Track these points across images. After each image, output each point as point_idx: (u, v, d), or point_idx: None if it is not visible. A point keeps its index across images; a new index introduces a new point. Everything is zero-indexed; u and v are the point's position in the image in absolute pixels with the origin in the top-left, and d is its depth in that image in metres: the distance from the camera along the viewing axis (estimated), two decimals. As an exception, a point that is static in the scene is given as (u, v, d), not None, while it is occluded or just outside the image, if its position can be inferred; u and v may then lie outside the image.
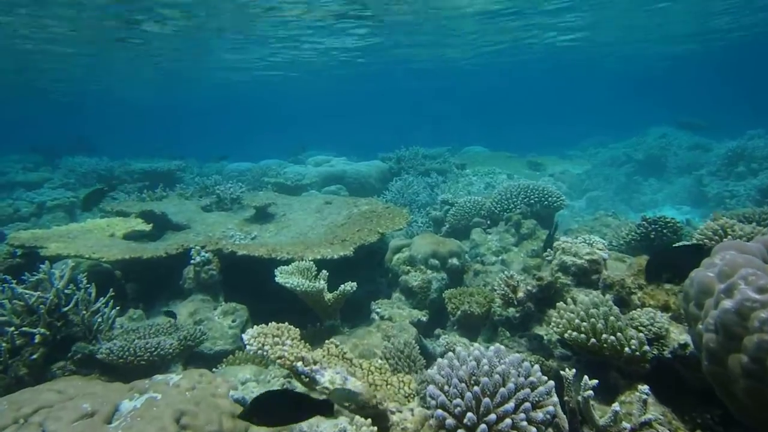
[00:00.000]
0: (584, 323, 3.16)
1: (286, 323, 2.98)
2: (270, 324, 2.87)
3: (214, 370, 4.37)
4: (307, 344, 2.93)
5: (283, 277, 4.50)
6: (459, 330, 4.83)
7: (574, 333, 3.17)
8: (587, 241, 4.09)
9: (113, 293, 4.38)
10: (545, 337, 4.40)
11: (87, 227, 6.21)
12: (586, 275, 3.74)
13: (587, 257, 3.73)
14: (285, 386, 3.55)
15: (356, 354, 4.08)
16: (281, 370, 3.74)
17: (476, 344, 4.13)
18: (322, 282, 4.47)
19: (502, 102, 65.95)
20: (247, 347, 2.52)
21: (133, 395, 3.15)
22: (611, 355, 3.03)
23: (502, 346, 2.45)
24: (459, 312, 4.72)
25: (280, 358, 2.38)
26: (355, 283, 4.55)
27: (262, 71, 23.87)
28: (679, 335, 3.09)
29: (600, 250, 3.81)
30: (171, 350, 3.89)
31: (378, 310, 4.91)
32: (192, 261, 5.12)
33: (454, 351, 2.46)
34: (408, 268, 5.57)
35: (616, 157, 16.97)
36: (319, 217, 7.02)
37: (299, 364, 2.34)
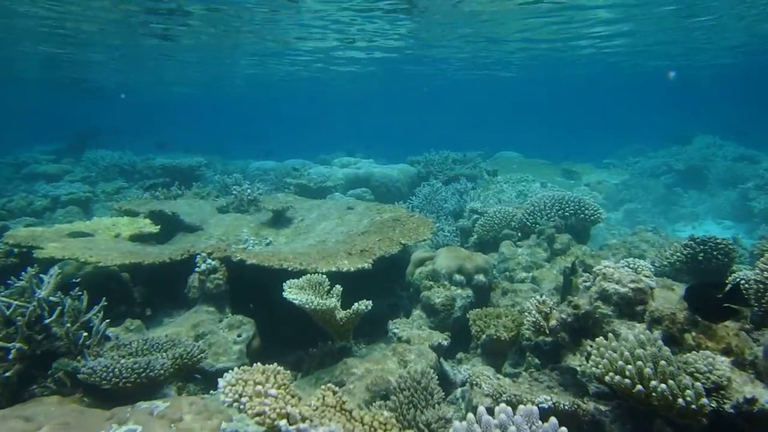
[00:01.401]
0: (629, 366, 2.71)
1: (275, 365, 2.58)
2: (254, 366, 2.48)
3: (211, 392, 4.03)
4: (313, 374, 2.55)
5: (292, 292, 4.13)
6: (483, 355, 4.40)
7: (617, 377, 2.72)
8: (631, 266, 3.63)
9: (106, 302, 4.04)
10: (579, 369, 3.95)
11: (91, 226, 5.94)
12: (630, 306, 3.27)
13: (632, 285, 3.26)
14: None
15: (369, 381, 3.68)
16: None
17: (502, 380, 3.70)
18: (333, 300, 4.09)
19: (539, 107, 64.73)
20: (221, 398, 2.13)
21: (110, 426, 2.82)
22: (661, 405, 2.58)
23: (535, 408, 2.02)
24: (484, 336, 4.29)
25: (259, 415, 1.99)
26: (370, 302, 4.15)
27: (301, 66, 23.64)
28: (743, 385, 2.62)
29: (647, 277, 3.34)
30: (162, 371, 3.50)
31: (395, 330, 4.51)
32: (197, 269, 4.79)
33: (475, 412, 2.03)
34: (431, 283, 5.15)
35: (655, 167, 16.21)
36: (339, 223, 6.65)
37: (283, 423, 1.95)
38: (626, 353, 2.77)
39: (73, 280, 4.16)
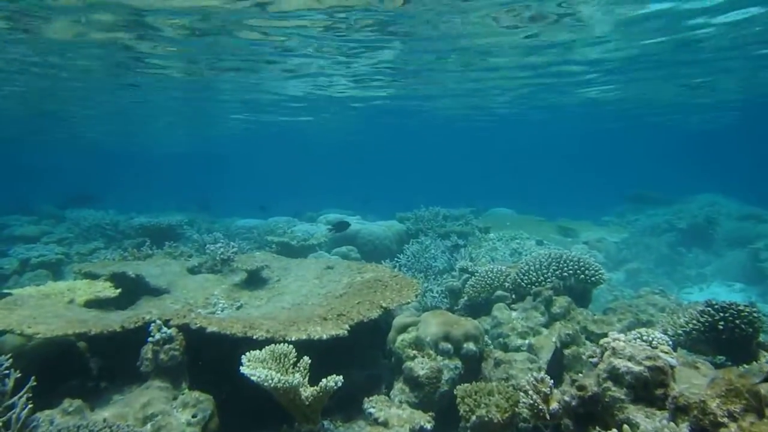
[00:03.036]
0: (654, 473, 2.14)
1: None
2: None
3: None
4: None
5: (251, 366, 3.57)
6: (474, 440, 3.78)
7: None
8: (644, 338, 3.08)
9: (35, 382, 3.50)
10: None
11: (44, 291, 5.41)
12: (648, 389, 2.72)
13: (648, 363, 2.71)
14: None
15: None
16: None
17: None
18: (297, 376, 3.52)
19: (531, 161, 64.70)
20: None
21: None
22: None
23: None
24: (474, 417, 3.68)
25: None
26: (341, 377, 3.60)
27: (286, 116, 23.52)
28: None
29: (665, 353, 2.79)
30: None
31: (371, 410, 3.90)
32: (150, 338, 4.22)
33: None
34: (414, 352, 4.58)
35: (656, 225, 15.66)
36: (318, 284, 6.10)
37: None
38: (649, 455, 2.21)
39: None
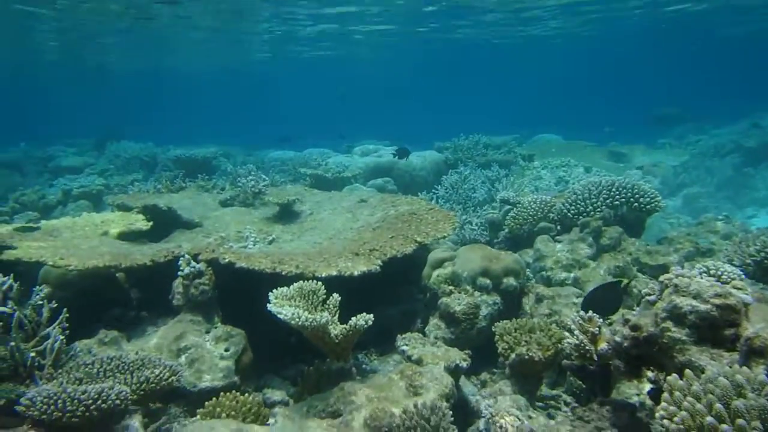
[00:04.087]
0: (724, 426, 1.84)
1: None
2: None
3: (182, 422, 3.35)
4: None
5: (278, 303, 3.38)
6: (512, 378, 3.55)
7: (703, 440, 1.86)
8: (712, 271, 2.72)
9: (67, 313, 3.44)
10: (638, 401, 3.09)
11: (79, 223, 5.34)
12: (714, 329, 2.38)
13: (717, 301, 2.36)
14: None
15: (368, 414, 2.89)
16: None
17: (535, 421, 2.84)
18: (325, 314, 3.31)
19: (584, 82, 61.44)
20: None
21: None
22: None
23: None
24: (513, 355, 3.45)
25: None
26: (371, 316, 3.38)
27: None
28: None
29: (739, 289, 2.43)
30: (119, 401, 2.83)
31: (404, 347, 3.68)
32: (180, 273, 4.09)
33: None
34: (450, 288, 4.32)
35: (720, 146, 14.36)
36: (351, 218, 5.86)
37: None
38: (717, 405, 1.90)
39: (34, 288, 3.53)
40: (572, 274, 4.85)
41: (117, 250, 4.59)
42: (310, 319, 3.19)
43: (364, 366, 4.39)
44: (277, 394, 3.79)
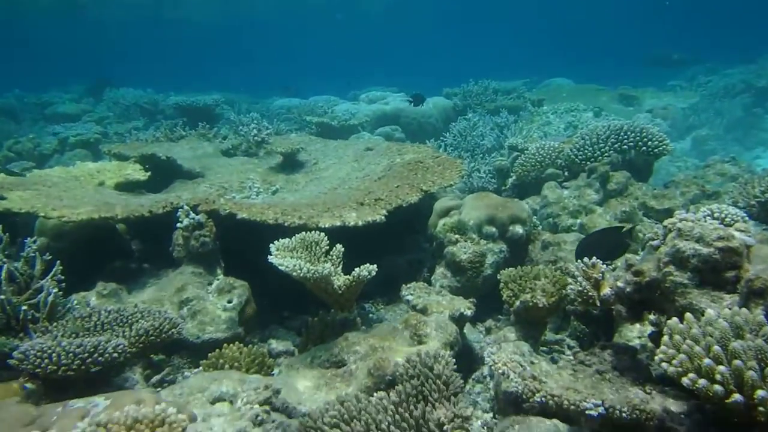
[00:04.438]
0: (721, 367, 1.84)
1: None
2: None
3: (185, 374, 3.40)
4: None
5: (279, 255, 3.38)
6: (516, 324, 3.57)
7: (702, 381, 1.86)
8: (716, 214, 2.68)
9: (61, 266, 3.40)
10: (639, 343, 3.10)
11: (73, 173, 5.26)
12: (716, 272, 2.35)
13: (719, 244, 2.33)
14: (261, 417, 2.45)
15: (372, 364, 2.92)
16: (260, 389, 2.64)
17: (538, 366, 2.86)
18: (327, 265, 3.31)
19: (597, 24, 59.31)
20: None
21: None
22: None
23: None
24: (518, 302, 3.45)
25: None
26: (374, 266, 3.37)
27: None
28: None
29: (741, 231, 2.39)
30: (117, 354, 2.79)
31: (409, 296, 3.69)
32: (179, 224, 4.04)
33: None
34: (456, 236, 4.31)
35: (730, 86, 14.00)
36: (356, 167, 5.82)
37: None
38: (715, 347, 1.90)
39: (25, 240, 3.47)
40: (579, 221, 4.82)
41: (113, 201, 4.51)
42: (312, 271, 3.19)
43: (370, 315, 4.43)
44: (281, 345, 3.81)
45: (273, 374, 3.17)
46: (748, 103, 13.08)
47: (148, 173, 5.30)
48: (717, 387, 1.82)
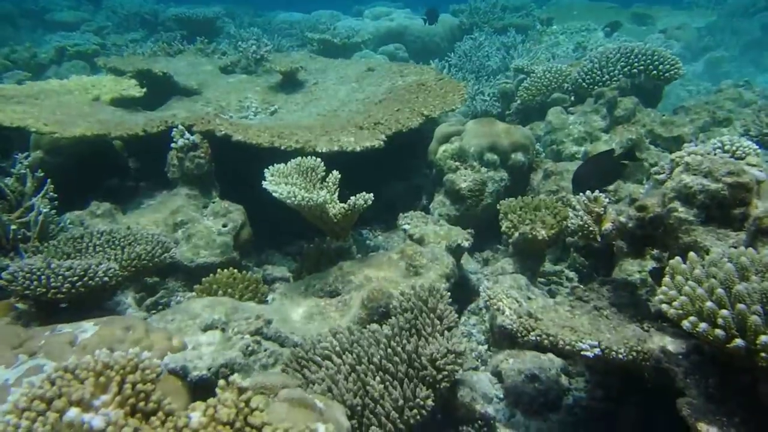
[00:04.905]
0: (724, 311, 1.78)
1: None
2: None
3: (179, 297, 3.39)
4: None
5: (274, 181, 3.28)
6: (515, 256, 3.53)
7: (703, 324, 1.80)
8: (727, 146, 2.55)
9: (52, 183, 3.35)
10: (639, 278, 3.05)
11: (68, 86, 5.04)
12: (723, 208, 2.26)
13: (729, 180, 2.22)
14: (251, 348, 2.44)
15: (366, 295, 2.88)
16: (252, 319, 2.62)
17: (535, 303, 2.82)
18: (322, 193, 3.23)
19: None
20: None
21: (17, 357, 2.19)
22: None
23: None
24: (516, 234, 3.39)
25: None
26: (371, 195, 3.28)
27: None
28: None
29: (753, 165, 2.28)
30: (107, 278, 2.74)
31: (406, 226, 3.63)
32: (173, 145, 3.92)
33: None
34: (456, 164, 4.20)
35: (751, 3, 13.03)
36: (357, 88, 5.63)
37: None
38: (718, 290, 1.83)
39: (16, 156, 3.40)
40: (583, 148, 4.69)
41: (107, 118, 4.37)
42: (307, 198, 3.10)
43: (368, 242, 4.40)
44: (277, 271, 3.80)
45: (267, 301, 3.15)
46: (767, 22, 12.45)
47: (144, 89, 5.07)
48: (718, 331, 1.76)
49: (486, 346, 3.09)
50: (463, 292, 3.42)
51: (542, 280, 3.70)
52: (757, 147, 2.70)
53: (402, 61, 8.57)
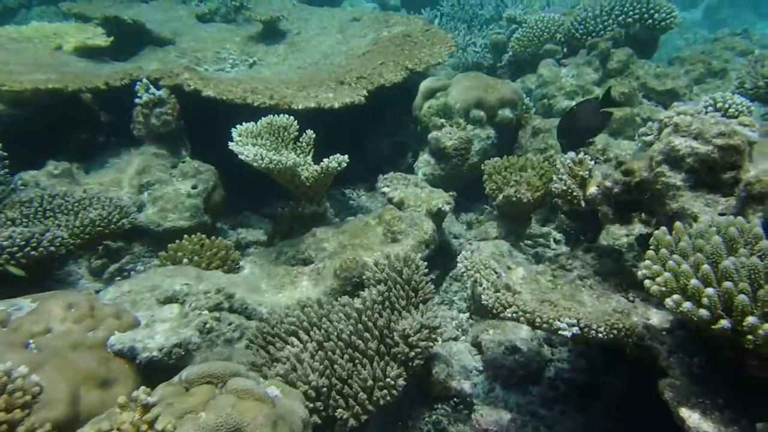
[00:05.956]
0: (709, 289, 1.64)
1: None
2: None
3: (147, 263, 3.23)
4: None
5: (241, 142, 3.10)
6: (499, 219, 3.39)
7: (687, 303, 1.67)
8: (720, 103, 2.38)
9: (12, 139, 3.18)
10: (626, 242, 2.93)
11: (26, 33, 4.75)
12: (713, 172, 2.10)
13: (719, 141, 2.06)
14: (209, 325, 2.28)
15: (339, 265, 2.75)
16: (211, 293, 2.47)
17: (514, 274, 2.68)
18: (292, 155, 3.07)
19: None
20: None
21: None
22: (763, 349, 1.57)
23: None
24: (501, 197, 3.24)
25: None
26: (345, 157, 3.11)
27: None
28: None
29: (746, 125, 2.12)
30: (53, 248, 2.59)
31: (385, 189, 3.46)
32: (137, 100, 3.67)
33: None
34: (442, 121, 4.01)
35: None
36: (341, 39, 5.37)
37: None
38: (705, 265, 1.69)
39: None
40: (574, 102, 4.48)
41: (68, 69, 4.10)
42: (275, 161, 2.92)
43: (350, 202, 4.25)
44: (251, 235, 3.65)
45: (238, 267, 3.01)
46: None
47: (112, 38, 4.76)
48: (703, 311, 1.63)
49: (467, 314, 2.98)
50: (445, 257, 3.29)
51: (529, 242, 3.56)
52: (751, 103, 2.53)
53: (393, 9, 8.22)
